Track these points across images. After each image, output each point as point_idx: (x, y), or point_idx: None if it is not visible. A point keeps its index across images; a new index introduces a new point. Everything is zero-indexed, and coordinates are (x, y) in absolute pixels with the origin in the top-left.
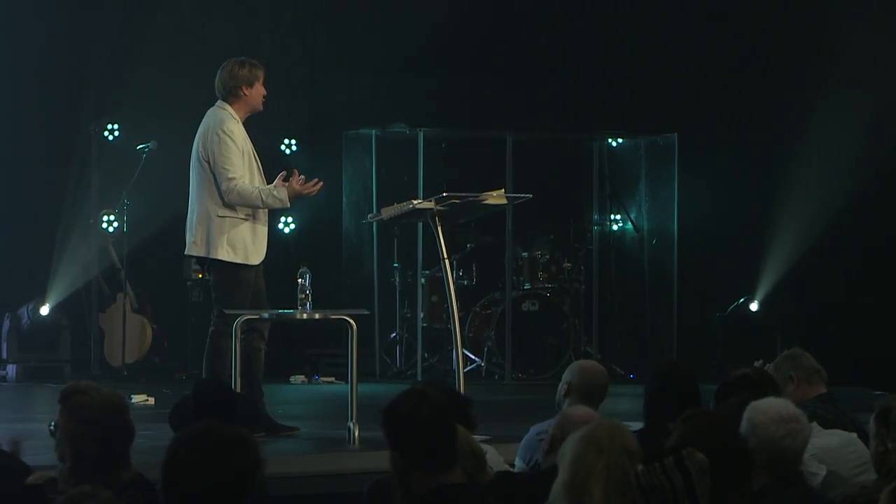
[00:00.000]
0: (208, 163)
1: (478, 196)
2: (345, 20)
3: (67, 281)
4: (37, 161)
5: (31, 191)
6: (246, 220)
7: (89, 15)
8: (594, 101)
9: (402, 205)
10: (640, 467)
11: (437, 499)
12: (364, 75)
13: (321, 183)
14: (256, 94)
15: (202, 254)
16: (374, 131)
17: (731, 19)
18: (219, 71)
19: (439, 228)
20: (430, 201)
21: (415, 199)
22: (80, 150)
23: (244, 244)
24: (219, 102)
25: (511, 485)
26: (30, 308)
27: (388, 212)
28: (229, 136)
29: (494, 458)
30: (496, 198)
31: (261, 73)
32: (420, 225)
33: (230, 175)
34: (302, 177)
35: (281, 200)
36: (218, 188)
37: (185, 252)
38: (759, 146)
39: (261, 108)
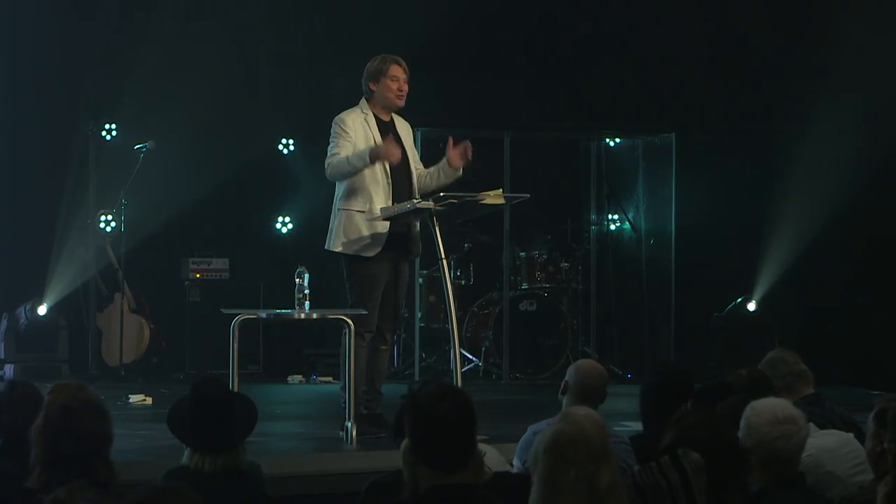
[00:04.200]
0: None
1: (475, 196)
2: (343, 20)
3: (65, 281)
4: (34, 161)
5: (29, 191)
6: (362, 212)
7: (87, 15)
8: (592, 100)
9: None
10: (636, 467)
11: (440, 496)
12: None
13: (399, 154)
14: (383, 88)
15: (327, 247)
16: None
17: (729, 20)
18: None
19: (437, 228)
20: (429, 201)
21: (415, 199)
22: (78, 149)
23: (360, 236)
24: (361, 100)
25: (508, 485)
26: (27, 308)
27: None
28: (339, 125)
29: (496, 458)
30: (494, 197)
31: (388, 67)
32: (417, 225)
33: (328, 157)
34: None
35: (361, 157)
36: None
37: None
38: (757, 146)
39: (396, 102)
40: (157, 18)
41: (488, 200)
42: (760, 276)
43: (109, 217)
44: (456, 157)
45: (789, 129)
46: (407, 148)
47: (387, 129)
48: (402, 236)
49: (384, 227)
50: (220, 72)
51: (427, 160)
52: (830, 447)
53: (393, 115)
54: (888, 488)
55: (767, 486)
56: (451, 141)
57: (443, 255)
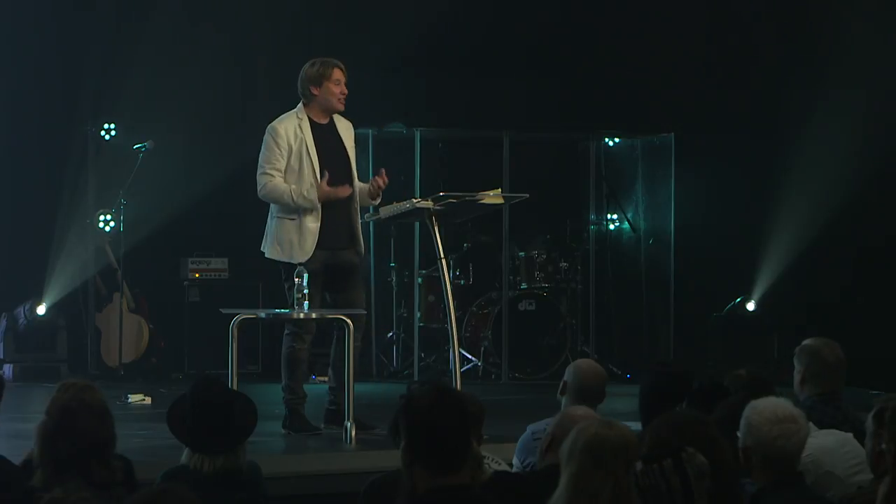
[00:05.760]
0: None
1: (475, 195)
2: (341, 19)
3: (64, 281)
4: (33, 161)
5: (28, 190)
6: (293, 219)
7: (86, 14)
8: (591, 100)
9: (400, 204)
10: (639, 467)
11: (438, 498)
12: (361, 75)
13: (350, 189)
14: (325, 92)
15: (262, 248)
16: (371, 131)
17: (728, 20)
18: None
19: (436, 228)
20: (428, 200)
21: (414, 199)
22: (77, 149)
23: (290, 242)
24: (298, 104)
25: (507, 485)
26: (26, 308)
27: (386, 211)
28: (271, 136)
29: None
30: (493, 197)
31: (331, 72)
32: (417, 224)
33: (260, 171)
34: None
35: (310, 201)
36: None
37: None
38: (756, 146)
39: (337, 106)
40: (156, 18)
41: (487, 200)
42: (759, 276)
43: (108, 217)
44: (375, 188)
45: (789, 130)
46: (349, 150)
47: (323, 132)
48: (338, 232)
49: (314, 233)
50: (219, 72)
51: (426, 159)
52: (829, 447)
53: (333, 116)
54: (887, 488)
55: (767, 486)
56: (382, 172)
57: (442, 255)
